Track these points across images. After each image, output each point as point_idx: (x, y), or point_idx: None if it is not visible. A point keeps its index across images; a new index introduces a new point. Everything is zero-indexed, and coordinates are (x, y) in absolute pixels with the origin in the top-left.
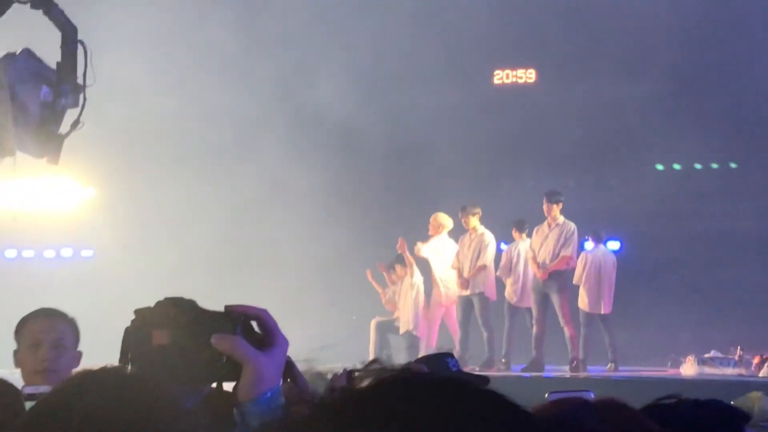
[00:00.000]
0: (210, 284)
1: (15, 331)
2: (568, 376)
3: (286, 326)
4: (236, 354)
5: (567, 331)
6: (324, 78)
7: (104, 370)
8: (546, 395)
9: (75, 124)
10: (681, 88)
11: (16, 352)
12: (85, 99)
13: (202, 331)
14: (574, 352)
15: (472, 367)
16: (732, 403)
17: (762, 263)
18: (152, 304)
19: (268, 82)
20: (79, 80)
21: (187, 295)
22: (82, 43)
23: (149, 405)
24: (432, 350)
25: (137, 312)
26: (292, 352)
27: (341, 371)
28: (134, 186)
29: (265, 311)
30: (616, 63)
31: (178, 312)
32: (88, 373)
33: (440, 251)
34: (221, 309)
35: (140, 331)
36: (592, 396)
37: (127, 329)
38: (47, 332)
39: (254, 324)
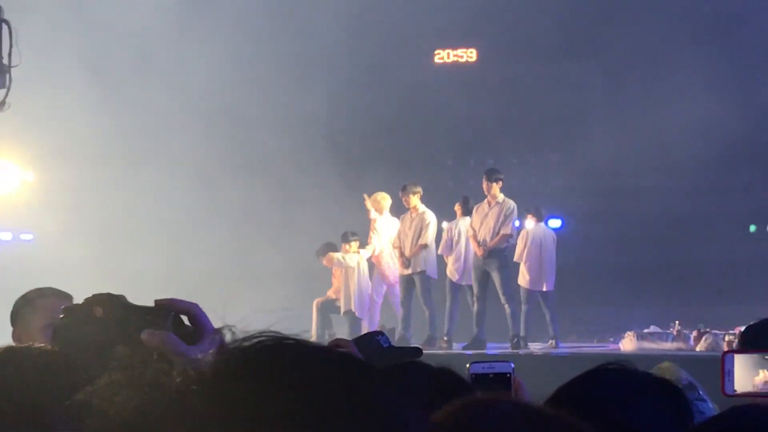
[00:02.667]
0: (149, 268)
1: (13, 312)
2: (509, 352)
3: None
4: (166, 348)
5: (507, 309)
6: (257, 60)
7: (29, 348)
8: (467, 366)
9: (1, 104)
10: (619, 66)
11: (18, 333)
12: (10, 80)
13: (132, 326)
14: (514, 329)
15: (415, 346)
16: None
17: (699, 239)
18: (80, 301)
19: (202, 69)
20: (5, 60)
21: (126, 279)
22: (6, 22)
23: (71, 381)
24: (375, 329)
25: (65, 310)
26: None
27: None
28: (74, 170)
29: (195, 305)
30: (556, 42)
31: (107, 309)
32: (12, 349)
33: (384, 230)
34: (151, 302)
35: (70, 329)
36: (512, 366)
37: (56, 326)
38: (55, 311)
39: (185, 318)
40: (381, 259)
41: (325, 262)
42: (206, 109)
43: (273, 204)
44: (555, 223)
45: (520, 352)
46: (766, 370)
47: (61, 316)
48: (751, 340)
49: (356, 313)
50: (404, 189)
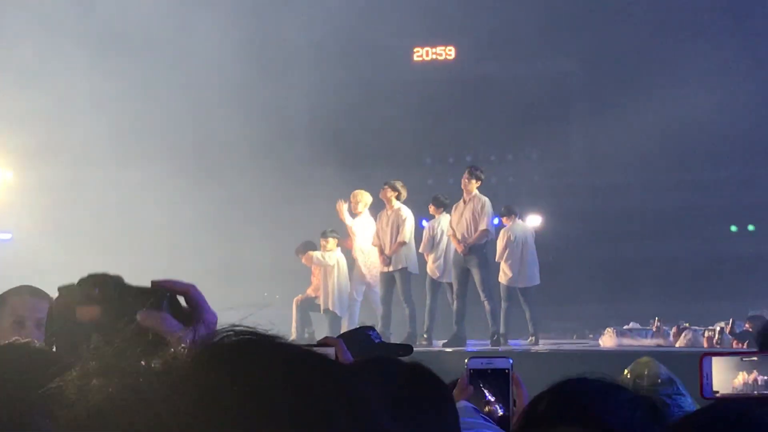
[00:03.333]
0: (130, 268)
1: None
2: (489, 349)
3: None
4: (162, 330)
5: (487, 306)
6: (239, 60)
7: (11, 344)
8: (466, 361)
9: None
10: (599, 63)
11: None
12: None
13: (128, 307)
14: (494, 326)
15: (406, 343)
16: (625, 371)
17: (679, 236)
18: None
19: (183, 70)
20: None
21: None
22: None
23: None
24: (354, 326)
25: (61, 289)
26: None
27: None
28: (54, 169)
29: (192, 286)
30: (535, 39)
31: (103, 288)
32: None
33: (364, 228)
34: (147, 285)
35: (64, 309)
36: (511, 362)
37: (50, 308)
38: (32, 310)
39: (182, 300)
40: (359, 258)
41: (304, 261)
42: (187, 109)
43: (255, 202)
44: (534, 220)
45: (500, 348)
46: (744, 372)
47: (56, 296)
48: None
49: (336, 312)
50: (391, 186)
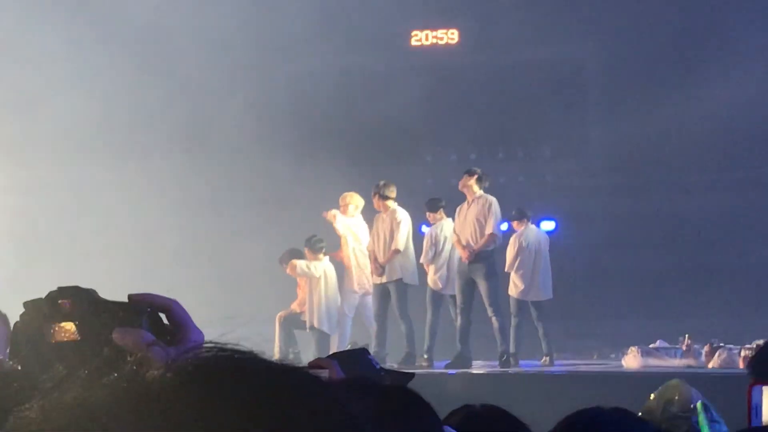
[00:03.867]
0: (100, 274)
1: None
2: (498, 371)
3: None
4: (140, 349)
5: (495, 322)
6: (231, 41)
7: None
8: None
9: None
10: (620, 50)
11: None
12: None
13: (103, 324)
14: (503, 345)
15: (391, 365)
16: (652, 395)
17: (711, 243)
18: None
19: (147, 53)
20: None
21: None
22: None
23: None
24: (345, 346)
25: (27, 305)
26: None
27: None
28: (20, 174)
29: (174, 302)
30: (549, 22)
31: (75, 303)
32: None
33: (356, 232)
34: (124, 299)
35: (31, 326)
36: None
37: (16, 324)
38: None
39: (163, 316)
40: (351, 267)
41: (288, 271)
42: (164, 104)
43: (236, 204)
44: (548, 225)
45: (510, 371)
46: None
47: (22, 312)
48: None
49: (323, 329)
50: (377, 188)
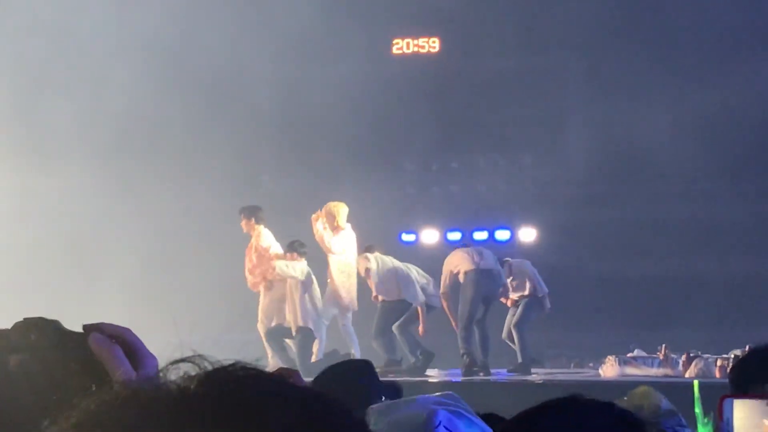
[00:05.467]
0: (51, 283)
1: None
2: (470, 380)
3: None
4: (113, 364)
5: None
6: (212, 46)
7: None
8: None
9: None
10: (600, 58)
11: None
12: None
13: (68, 355)
14: (470, 354)
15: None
16: (625, 398)
17: (689, 253)
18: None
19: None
20: None
21: (28, 292)
22: None
23: None
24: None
25: None
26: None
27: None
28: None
29: (128, 330)
30: (529, 30)
31: (40, 334)
32: None
33: (344, 244)
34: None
35: None
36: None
37: None
38: None
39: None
40: (338, 278)
41: (268, 276)
42: (130, 108)
43: (212, 214)
44: (528, 233)
45: (482, 379)
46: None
47: None
48: (745, 379)
49: (310, 326)
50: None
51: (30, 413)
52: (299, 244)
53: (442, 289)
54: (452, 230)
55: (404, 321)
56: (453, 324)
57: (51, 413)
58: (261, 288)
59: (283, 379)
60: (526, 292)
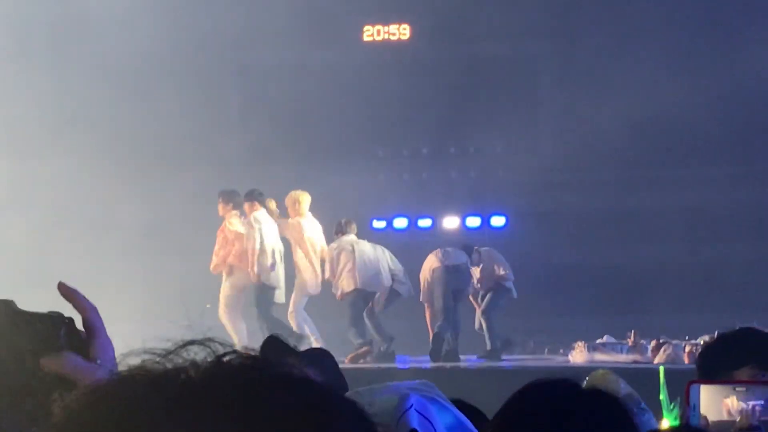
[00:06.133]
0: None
1: None
2: (441, 366)
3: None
4: (67, 373)
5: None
6: (183, 36)
7: None
8: None
9: None
10: (571, 45)
11: None
12: None
13: (23, 336)
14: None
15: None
16: (584, 382)
17: (659, 240)
18: None
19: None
20: None
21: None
22: None
23: None
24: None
25: None
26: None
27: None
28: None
29: (93, 309)
30: (500, 17)
31: None
32: None
33: (304, 232)
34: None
35: None
36: None
37: None
38: None
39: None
40: (301, 266)
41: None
42: (110, 96)
43: (184, 201)
44: (499, 220)
45: (452, 365)
46: (733, 396)
47: None
48: (712, 365)
49: (269, 282)
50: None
51: None
52: (259, 194)
53: (422, 297)
54: (423, 217)
55: (371, 306)
56: (429, 328)
57: (6, 394)
58: (223, 272)
59: (287, 367)
60: (493, 281)
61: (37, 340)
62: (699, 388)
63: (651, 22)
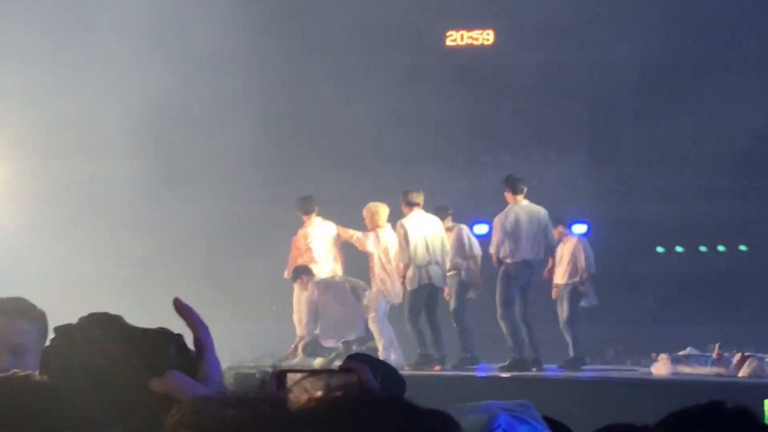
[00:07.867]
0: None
1: None
2: (524, 376)
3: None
4: (175, 394)
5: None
6: (261, 41)
7: (10, 378)
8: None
9: None
10: (657, 52)
11: None
12: None
13: (134, 351)
14: (519, 350)
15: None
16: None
17: (747, 248)
18: (74, 321)
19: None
20: None
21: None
22: None
23: (56, 416)
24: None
25: (57, 330)
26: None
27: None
28: (26, 162)
29: (205, 327)
30: (585, 23)
31: (106, 330)
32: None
33: (384, 245)
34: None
35: (62, 353)
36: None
37: (46, 350)
38: (4, 336)
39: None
40: (381, 276)
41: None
42: (177, 105)
43: (250, 208)
44: (581, 228)
45: (536, 375)
46: None
47: (52, 337)
48: None
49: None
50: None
51: (94, 409)
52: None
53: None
54: None
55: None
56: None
57: (114, 409)
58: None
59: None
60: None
61: (147, 357)
62: None
63: (741, 32)
